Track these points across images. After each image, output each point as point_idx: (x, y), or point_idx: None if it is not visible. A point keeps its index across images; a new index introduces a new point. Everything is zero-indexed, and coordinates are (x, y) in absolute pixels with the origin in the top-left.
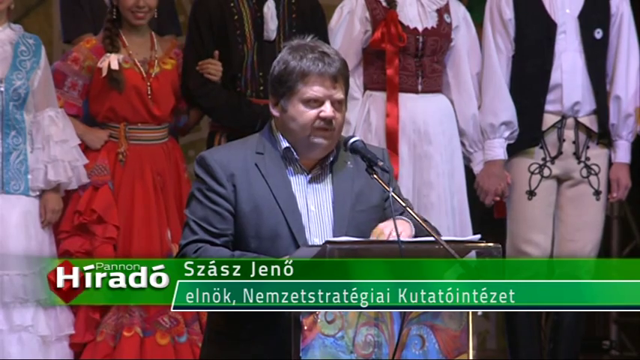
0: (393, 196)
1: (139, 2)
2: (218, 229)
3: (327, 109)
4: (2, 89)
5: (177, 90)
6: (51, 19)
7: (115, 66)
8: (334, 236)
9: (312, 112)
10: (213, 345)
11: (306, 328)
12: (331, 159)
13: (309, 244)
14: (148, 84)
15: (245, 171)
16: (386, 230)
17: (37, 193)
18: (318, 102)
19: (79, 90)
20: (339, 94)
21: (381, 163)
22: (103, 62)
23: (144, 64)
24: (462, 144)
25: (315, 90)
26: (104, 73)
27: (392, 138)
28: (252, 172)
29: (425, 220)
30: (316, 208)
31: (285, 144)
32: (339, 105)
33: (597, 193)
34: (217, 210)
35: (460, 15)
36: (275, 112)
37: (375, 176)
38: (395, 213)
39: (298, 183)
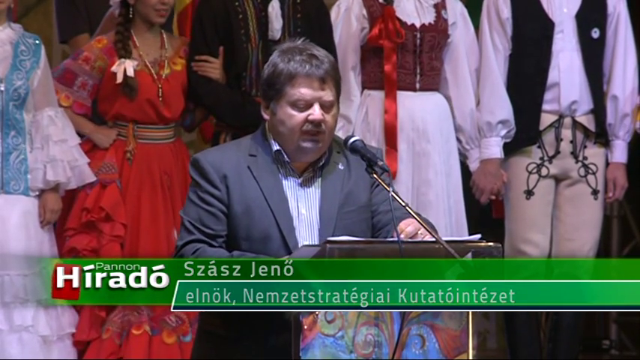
0: (393, 195)
1: None
2: (213, 230)
3: (315, 112)
4: (2, 89)
5: (187, 90)
6: (50, 19)
7: (130, 73)
8: (321, 239)
9: (301, 115)
10: (203, 344)
11: (306, 327)
12: (322, 162)
13: (300, 246)
14: (159, 86)
15: (237, 173)
16: (409, 229)
17: (37, 193)
18: (306, 104)
19: (88, 90)
20: (328, 96)
21: (380, 163)
22: (119, 67)
23: (154, 66)
24: (459, 140)
25: (302, 92)
26: (119, 80)
27: (391, 134)
28: (245, 174)
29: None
30: (307, 211)
31: (276, 147)
32: (329, 107)
33: (595, 192)
34: (211, 211)
35: (457, 11)
36: (266, 116)
37: (375, 176)
38: (387, 211)
39: (290, 186)
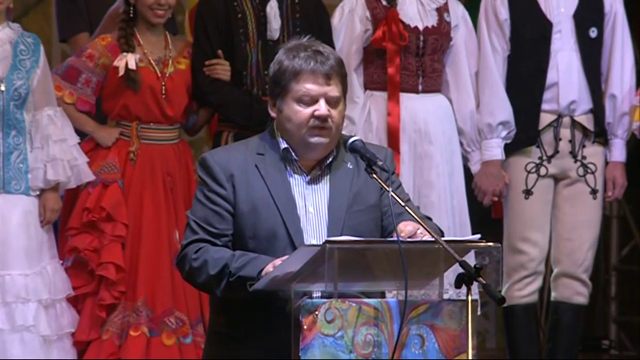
0: (392, 195)
1: (161, 0)
2: (218, 230)
3: (321, 107)
4: (3, 89)
5: (190, 90)
6: (50, 19)
7: (132, 66)
8: (329, 237)
9: (307, 111)
10: (213, 345)
11: (305, 327)
12: (330, 159)
13: (306, 244)
14: (163, 83)
15: (245, 171)
16: (408, 228)
17: (37, 192)
18: (311, 100)
19: (92, 87)
20: (333, 92)
21: (380, 163)
22: (120, 61)
23: (158, 64)
24: (460, 143)
25: (307, 87)
26: (121, 73)
27: (393, 137)
28: (252, 172)
29: (427, 219)
30: (315, 209)
31: (283, 145)
32: (335, 103)
33: (594, 191)
34: (217, 210)
35: (459, 14)
36: (273, 114)
37: (374, 176)
38: (395, 212)
39: (297, 184)
